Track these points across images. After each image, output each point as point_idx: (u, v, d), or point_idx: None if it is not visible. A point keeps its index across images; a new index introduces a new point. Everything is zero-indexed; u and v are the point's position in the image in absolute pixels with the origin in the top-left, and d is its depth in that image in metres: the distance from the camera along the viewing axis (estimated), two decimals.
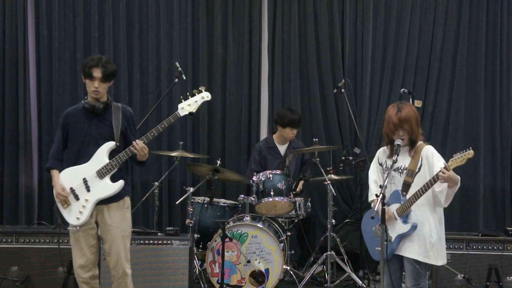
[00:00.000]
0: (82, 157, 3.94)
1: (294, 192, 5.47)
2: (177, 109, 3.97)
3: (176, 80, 5.71)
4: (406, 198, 3.78)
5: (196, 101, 3.98)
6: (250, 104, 6.63)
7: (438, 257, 3.83)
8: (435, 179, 3.66)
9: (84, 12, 6.52)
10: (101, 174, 3.90)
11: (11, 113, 6.46)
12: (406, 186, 3.80)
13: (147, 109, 6.02)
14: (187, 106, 3.96)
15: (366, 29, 6.61)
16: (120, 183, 3.94)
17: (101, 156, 3.92)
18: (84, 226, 3.93)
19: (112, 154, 3.94)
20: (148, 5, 6.57)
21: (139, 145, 3.88)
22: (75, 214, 3.90)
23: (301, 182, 5.87)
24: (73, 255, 3.98)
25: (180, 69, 5.65)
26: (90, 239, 3.97)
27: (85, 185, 3.91)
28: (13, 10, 6.44)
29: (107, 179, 3.92)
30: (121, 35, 6.53)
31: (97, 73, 3.87)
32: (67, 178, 3.93)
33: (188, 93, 4.03)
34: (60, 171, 3.98)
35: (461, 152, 3.69)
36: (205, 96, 4.00)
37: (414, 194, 3.72)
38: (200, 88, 4.03)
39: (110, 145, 3.94)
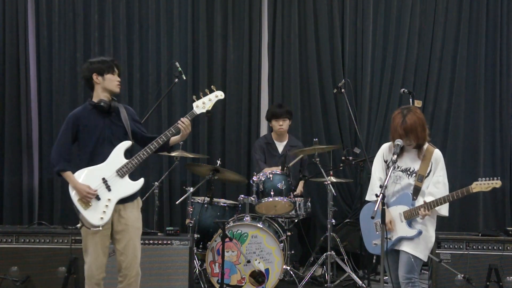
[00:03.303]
0: (96, 157, 3.93)
1: (294, 194, 5.46)
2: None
3: (176, 80, 5.72)
4: (416, 203, 3.83)
5: (210, 100, 4.07)
6: (250, 104, 6.63)
7: (427, 254, 3.94)
8: (445, 200, 3.75)
9: (84, 12, 6.52)
10: (121, 173, 3.91)
11: (13, 113, 6.46)
12: (416, 190, 3.85)
13: (147, 109, 6.03)
14: (202, 105, 4.05)
15: (366, 29, 6.61)
16: (141, 181, 3.98)
17: (119, 155, 3.94)
18: (105, 226, 3.91)
19: (125, 154, 3.97)
20: (148, 5, 6.57)
21: (185, 123, 3.96)
22: (99, 215, 3.86)
23: (302, 184, 5.87)
24: (88, 257, 3.94)
25: (180, 69, 5.66)
26: (105, 240, 3.97)
27: (105, 184, 3.89)
28: (14, 10, 6.45)
29: (127, 178, 3.95)
30: (121, 35, 6.53)
31: (117, 68, 4.02)
32: (84, 178, 3.89)
33: (201, 92, 4.09)
34: (72, 173, 3.94)
35: (489, 178, 3.70)
36: (219, 94, 4.10)
37: (426, 205, 3.77)
38: (212, 87, 4.11)
39: (127, 144, 3.98)
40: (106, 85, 3.98)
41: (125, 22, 6.56)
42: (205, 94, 4.08)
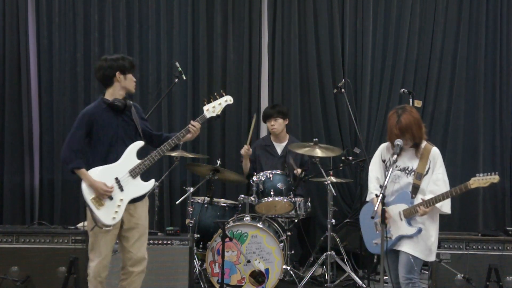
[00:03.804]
0: (110, 156, 3.94)
1: (294, 190, 5.45)
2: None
3: (176, 80, 5.72)
4: (414, 201, 3.84)
5: (220, 104, 4.16)
6: (250, 104, 6.63)
7: (431, 255, 3.93)
8: (444, 197, 3.76)
9: (84, 12, 6.52)
10: (134, 173, 3.94)
11: (14, 114, 6.46)
12: (415, 188, 3.87)
13: (147, 109, 6.02)
14: (212, 109, 4.13)
15: (366, 29, 6.61)
16: (152, 182, 4.02)
17: (132, 155, 3.96)
18: (115, 226, 3.93)
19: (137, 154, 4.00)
20: (148, 5, 6.57)
21: (196, 127, 4.04)
22: (111, 214, 3.87)
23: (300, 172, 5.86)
24: (97, 255, 3.94)
25: (180, 69, 5.66)
26: (114, 239, 4.01)
27: (118, 184, 3.91)
28: (14, 11, 6.45)
29: (139, 178, 3.97)
30: (121, 35, 6.53)
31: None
32: (98, 177, 3.88)
33: (211, 96, 4.17)
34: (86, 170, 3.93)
35: (486, 174, 3.71)
36: (228, 99, 4.20)
37: (425, 202, 3.78)
38: (222, 92, 4.21)
39: (140, 144, 4.00)
40: (127, 85, 4.00)
41: (125, 22, 6.56)
42: (214, 98, 4.15)
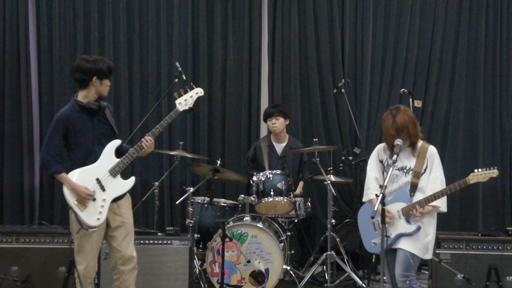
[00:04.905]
0: (89, 157, 3.94)
1: (293, 194, 5.46)
2: (175, 106, 4.11)
3: (176, 80, 5.70)
4: (413, 199, 3.87)
5: (191, 96, 4.16)
6: (250, 104, 6.63)
7: (428, 253, 3.95)
8: (443, 193, 3.81)
9: (84, 12, 6.52)
10: (114, 172, 3.94)
11: (14, 113, 6.46)
12: (413, 187, 3.89)
13: (147, 109, 6.03)
14: (184, 102, 4.14)
15: (366, 29, 6.61)
16: (133, 179, 4.02)
17: (110, 155, 3.96)
18: (100, 226, 3.94)
19: (115, 152, 3.99)
20: (148, 5, 6.57)
21: (149, 142, 3.98)
22: (95, 215, 3.88)
23: (301, 185, 5.87)
24: (84, 258, 3.95)
25: (180, 69, 5.65)
26: (101, 240, 4.02)
27: (100, 185, 3.91)
28: (14, 11, 6.45)
29: (119, 177, 3.98)
30: (121, 35, 6.53)
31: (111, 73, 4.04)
32: (79, 179, 3.88)
33: (181, 90, 4.17)
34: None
35: (485, 169, 3.77)
36: (199, 91, 4.20)
37: (424, 200, 3.82)
38: (192, 85, 4.21)
39: (117, 143, 4.00)
40: (101, 90, 3.97)
41: (125, 22, 6.56)
42: (185, 92, 4.16)
